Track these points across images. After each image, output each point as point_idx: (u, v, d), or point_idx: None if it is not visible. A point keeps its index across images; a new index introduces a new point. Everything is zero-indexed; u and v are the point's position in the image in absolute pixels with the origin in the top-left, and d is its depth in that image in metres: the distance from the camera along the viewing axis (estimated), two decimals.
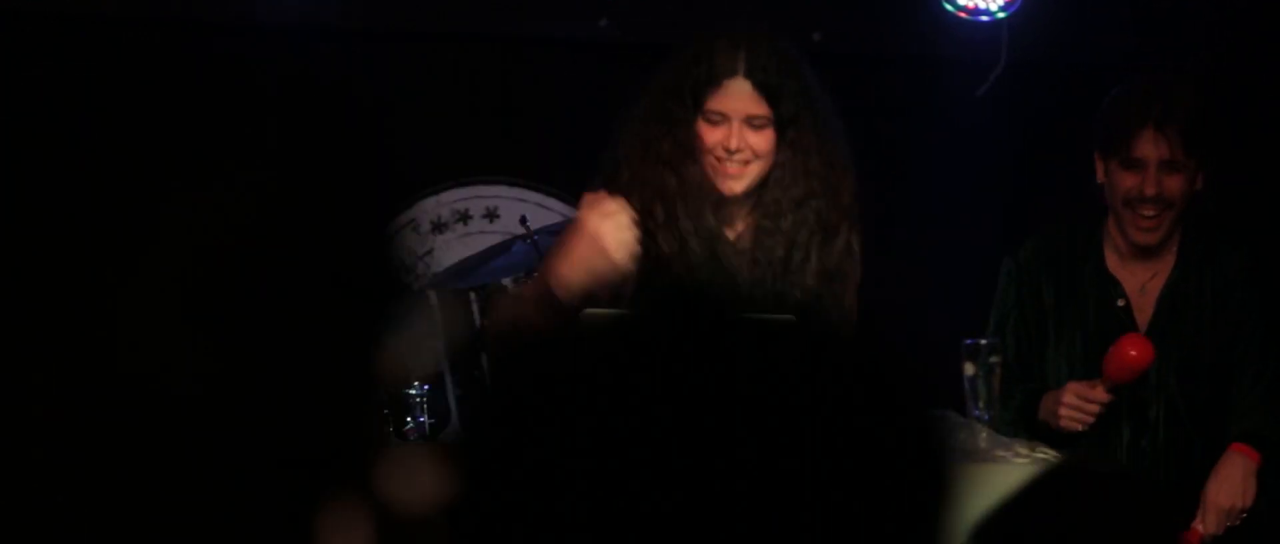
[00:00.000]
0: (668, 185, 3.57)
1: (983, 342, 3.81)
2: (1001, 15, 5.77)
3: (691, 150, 3.57)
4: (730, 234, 3.63)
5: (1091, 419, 4.09)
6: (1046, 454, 3.77)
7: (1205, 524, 4.13)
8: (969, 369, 3.75)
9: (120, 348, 0.93)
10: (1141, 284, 4.25)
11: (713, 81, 3.57)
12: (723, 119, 3.56)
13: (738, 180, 3.57)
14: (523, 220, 5.14)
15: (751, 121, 3.56)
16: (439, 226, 5.87)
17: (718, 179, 3.57)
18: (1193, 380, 4.18)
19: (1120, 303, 4.23)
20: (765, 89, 3.55)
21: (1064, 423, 4.10)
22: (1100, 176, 4.24)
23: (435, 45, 5.79)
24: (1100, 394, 4.07)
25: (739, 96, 3.56)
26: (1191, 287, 4.23)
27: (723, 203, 3.60)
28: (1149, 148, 4.13)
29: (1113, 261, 4.27)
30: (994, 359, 3.78)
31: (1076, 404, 4.09)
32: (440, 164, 5.78)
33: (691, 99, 3.57)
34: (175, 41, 0.99)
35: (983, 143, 5.90)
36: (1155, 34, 5.86)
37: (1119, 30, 5.90)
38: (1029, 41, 5.84)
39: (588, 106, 5.70)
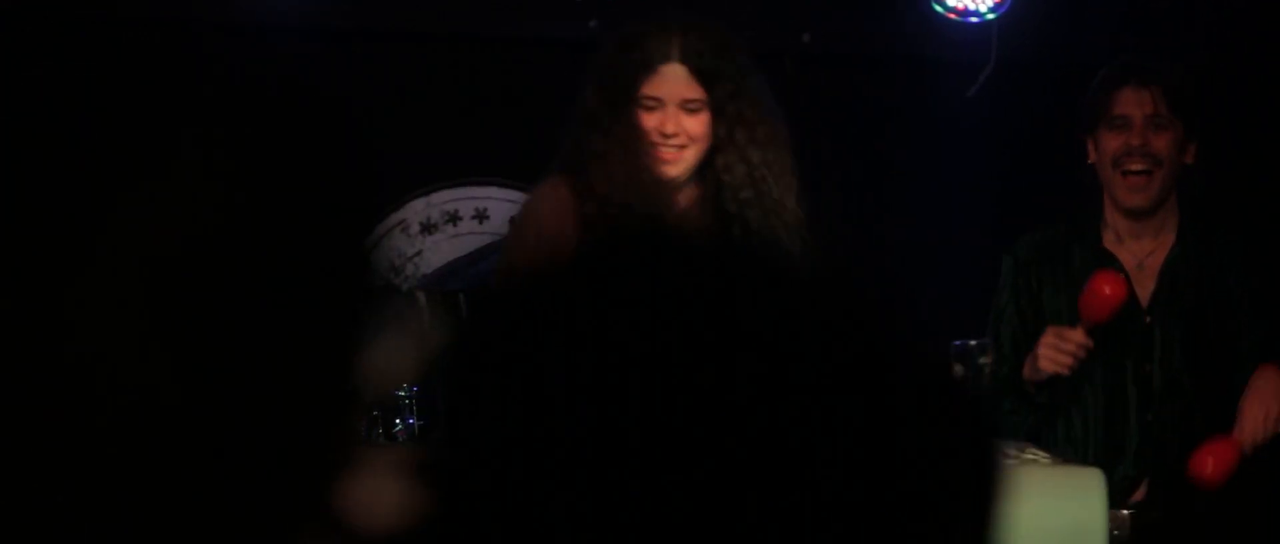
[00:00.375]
0: (614, 175, 3.60)
1: (972, 343, 3.82)
2: (991, 16, 5.77)
3: (632, 137, 3.60)
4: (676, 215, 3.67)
5: (1070, 360, 4.06)
6: (1036, 455, 3.78)
7: (1243, 433, 4.06)
8: (958, 371, 3.75)
9: (111, 348, 0.93)
10: (1140, 261, 4.25)
11: (648, 67, 3.60)
12: (658, 104, 3.60)
13: (674, 165, 3.62)
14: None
15: (686, 105, 3.60)
16: (428, 228, 5.86)
17: (655, 164, 3.60)
18: (1196, 356, 4.18)
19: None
20: (700, 73, 3.59)
21: (1043, 364, 4.08)
22: (1091, 155, 4.26)
23: (424, 46, 5.78)
24: (1079, 335, 4.06)
25: (674, 81, 3.60)
26: (1192, 265, 4.23)
27: (662, 187, 3.64)
28: (1132, 105, 4.15)
29: (1110, 241, 4.27)
30: (983, 360, 3.79)
31: (1054, 344, 4.07)
32: (429, 165, 5.77)
33: (629, 85, 3.60)
34: (172, 41, 0.99)
35: (973, 144, 5.90)
36: (1146, 34, 5.86)
37: (1109, 31, 5.90)
38: (1019, 42, 5.84)
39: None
